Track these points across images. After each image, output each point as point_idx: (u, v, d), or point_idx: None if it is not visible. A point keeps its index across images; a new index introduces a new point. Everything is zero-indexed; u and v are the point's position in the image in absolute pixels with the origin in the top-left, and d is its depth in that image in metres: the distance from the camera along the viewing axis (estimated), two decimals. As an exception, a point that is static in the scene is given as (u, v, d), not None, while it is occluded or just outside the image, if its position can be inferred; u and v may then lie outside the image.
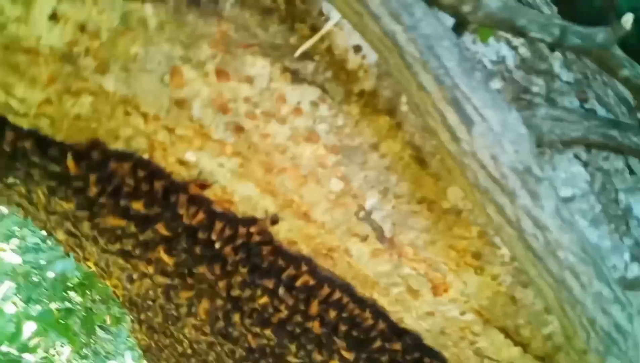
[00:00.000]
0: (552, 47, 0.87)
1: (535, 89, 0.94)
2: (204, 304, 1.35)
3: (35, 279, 5.11)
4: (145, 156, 0.96)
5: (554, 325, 1.01)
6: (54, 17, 0.75)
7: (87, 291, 5.48)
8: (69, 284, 5.37)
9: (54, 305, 5.44)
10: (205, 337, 1.44)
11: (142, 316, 1.78)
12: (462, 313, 1.07)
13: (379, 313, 1.17)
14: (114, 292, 2.25)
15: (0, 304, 5.18)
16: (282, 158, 0.91)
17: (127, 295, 1.81)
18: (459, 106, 0.60)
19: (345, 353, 1.21)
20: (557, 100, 0.93)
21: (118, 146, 0.94)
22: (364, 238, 1.01)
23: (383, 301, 1.14)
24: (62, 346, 5.89)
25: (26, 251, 5.08)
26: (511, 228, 0.67)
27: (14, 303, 5.51)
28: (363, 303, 1.16)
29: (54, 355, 6.05)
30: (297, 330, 1.27)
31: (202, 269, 1.17)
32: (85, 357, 6.30)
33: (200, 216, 1.05)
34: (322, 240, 1.05)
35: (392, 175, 0.93)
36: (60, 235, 1.34)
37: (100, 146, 0.96)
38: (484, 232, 0.95)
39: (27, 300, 5.33)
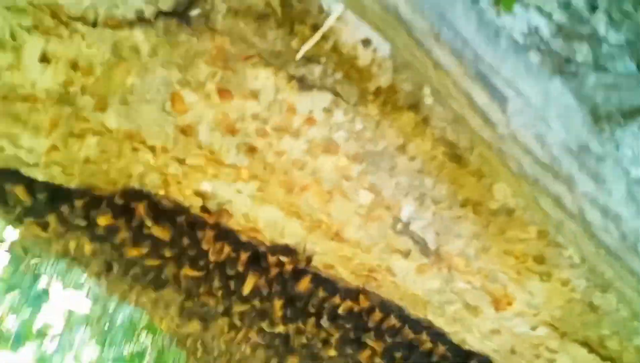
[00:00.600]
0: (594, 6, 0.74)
1: (579, 57, 0.81)
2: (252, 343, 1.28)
3: (106, 324, 5.29)
4: (161, 192, 0.91)
5: (648, 332, 0.84)
6: (44, 58, 0.72)
7: (157, 332, 5.60)
8: (138, 326, 5.50)
9: (126, 349, 5.59)
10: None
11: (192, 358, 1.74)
12: (534, 328, 0.92)
13: (437, 334, 1.04)
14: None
15: (79, 352, 5.37)
16: (301, 175, 0.83)
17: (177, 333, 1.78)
18: (485, 81, 0.49)
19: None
20: (609, 66, 0.78)
21: (133, 184, 0.90)
22: (406, 254, 0.90)
23: (439, 322, 1.01)
24: (138, 388, 6.03)
25: (96, 299, 5.29)
26: (574, 222, 0.55)
27: (90, 350, 5.69)
28: (418, 325, 1.05)
29: (132, 398, 6.20)
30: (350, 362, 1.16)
31: (240, 307, 1.10)
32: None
33: (227, 249, 0.98)
34: (360, 260, 0.95)
35: (426, 178, 0.82)
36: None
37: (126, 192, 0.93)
38: (544, 231, 0.81)
39: (102, 345, 5.51)
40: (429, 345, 1.05)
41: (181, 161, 0.84)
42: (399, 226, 0.87)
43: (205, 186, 0.87)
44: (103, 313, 5.50)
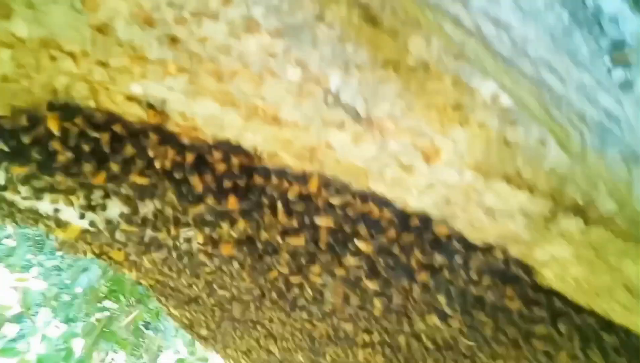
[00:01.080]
0: None
1: None
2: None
3: (67, 298, 5.19)
4: (92, 104, 0.90)
5: (553, 153, 0.97)
6: None
7: (120, 297, 5.58)
8: (100, 294, 5.45)
9: (93, 318, 5.55)
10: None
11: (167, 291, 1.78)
12: (461, 174, 1.03)
13: (382, 202, 1.14)
14: (146, 286, 2.26)
15: (45, 331, 5.28)
16: (229, 60, 0.85)
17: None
18: None
19: (363, 247, 1.19)
20: None
21: (60, 98, 0.89)
22: (341, 125, 0.96)
23: (382, 189, 1.11)
24: (115, 352, 6.06)
25: (48, 276, 5.14)
26: (474, 38, 0.62)
27: (57, 327, 5.62)
28: (364, 196, 1.13)
29: (111, 362, 6.24)
30: (311, 244, 1.25)
31: (196, 209, 1.14)
32: (140, 356, 6.49)
33: (171, 153, 1.01)
34: (300, 142, 1.00)
35: (347, 45, 0.87)
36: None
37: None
38: (457, 78, 0.89)
39: (67, 320, 5.43)
40: (377, 213, 1.15)
41: (105, 65, 0.84)
42: (330, 98, 0.93)
43: (135, 89, 0.88)
44: (60, 288, 5.37)
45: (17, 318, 5.39)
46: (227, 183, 1.05)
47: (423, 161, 1.02)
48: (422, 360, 2.01)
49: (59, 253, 5.39)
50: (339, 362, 2.19)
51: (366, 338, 1.80)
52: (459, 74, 0.90)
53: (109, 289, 5.39)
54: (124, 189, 1.04)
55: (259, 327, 2.13)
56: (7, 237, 5.39)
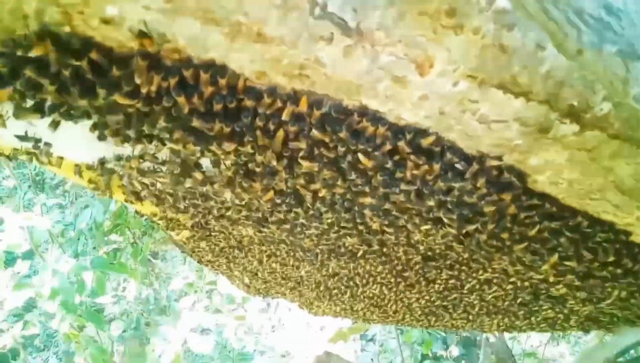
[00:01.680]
0: None
1: None
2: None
3: (72, 234, 5.32)
4: (66, 30, 0.86)
5: (549, 57, 0.94)
6: None
7: (125, 229, 5.71)
8: (104, 229, 5.57)
9: (101, 251, 5.73)
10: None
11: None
12: (455, 84, 1.01)
13: (375, 118, 1.12)
14: (149, 218, 2.28)
15: (56, 266, 5.46)
16: (206, -27, 0.80)
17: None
18: None
19: (364, 161, 1.20)
20: None
21: (31, 26, 0.84)
22: (330, 39, 0.92)
23: (374, 104, 1.09)
24: (125, 282, 6.33)
25: (52, 214, 5.23)
26: None
27: (66, 262, 5.80)
28: (358, 113, 1.12)
29: (123, 291, 6.53)
30: (298, 168, 1.25)
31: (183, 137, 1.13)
32: (151, 284, 6.78)
33: (157, 80, 0.97)
34: (289, 59, 0.97)
35: (332, -51, 0.81)
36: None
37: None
38: (451, -20, 0.85)
39: (76, 255, 5.61)
40: (370, 129, 1.14)
41: (75, -15, 0.78)
42: (317, 10, 0.88)
43: (111, 10, 0.83)
44: (64, 225, 5.49)
45: (28, 255, 5.56)
46: (216, 106, 1.03)
47: (416, 72, 0.99)
48: (420, 268, 2.11)
49: (59, 191, 5.44)
50: (342, 274, 2.30)
51: (366, 248, 1.86)
52: (451, -25, 0.85)
53: (113, 223, 5.50)
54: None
55: (263, 247, 2.21)
56: (6, 178, 5.40)
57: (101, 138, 1.18)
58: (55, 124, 1.16)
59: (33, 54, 0.84)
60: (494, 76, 0.99)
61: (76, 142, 1.43)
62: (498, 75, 0.99)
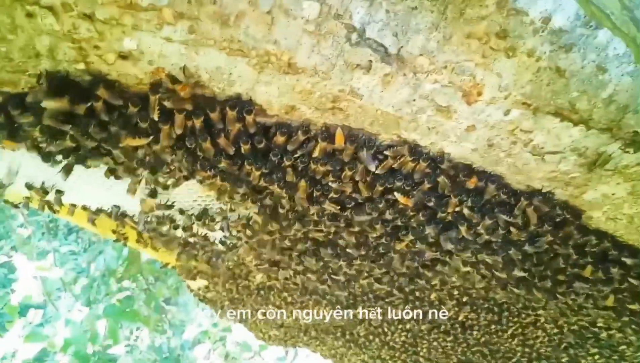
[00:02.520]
0: None
1: None
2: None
3: (85, 282, 5.21)
4: (80, 67, 0.78)
5: (612, 80, 0.84)
6: None
7: (138, 276, 5.59)
8: (117, 275, 5.47)
9: (114, 299, 5.60)
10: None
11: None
12: (507, 113, 0.91)
13: (416, 151, 1.02)
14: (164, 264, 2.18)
15: (68, 315, 5.34)
16: (234, 0, 0.72)
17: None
18: None
19: (402, 200, 1.09)
20: None
21: (44, 65, 0.77)
22: (368, 67, 0.84)
23: (414, 137, 0.99)
24: (138, 330, 6.14)
25: (65, 261, 5.13)
26: None
27: (79, 310, 5.68)
28: (394, 147, 1.02)
29: (136, 340, 6.34)
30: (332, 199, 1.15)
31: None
32: (163, 331, 6.58)
33: (179, 119, 0.89)
34: (321, 91, 0.88)
35: (371, -32, 0.73)
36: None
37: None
38: (501, 0, 0.76)
39: (88, 303, 5.48)
40: (410, 165, 1.03)
41: (91, 18, 0.71)
42: (354, 36, 0.80)
43: (128, 44, 0.75)
44: (77, 273, 5.39)
45: (41, 304, 5.44)
46: (244, 146, 0.93)
47: (463, 100, 0.89)
48: (455, 314, 1.95)
49: (72, 237, 5.37)
50: (370, 320, 2.14)
51: (400, 293, 1.72)
52: (504, -8, 0.76)
53: (126, 269, 5.39)
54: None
55: (285, 294, 2.07)
56: (21, 226, 5.37)
57: (117, 177, 1.09)
58: (67, 170, 1.07)
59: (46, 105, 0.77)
60: (549, 102, 0.89)
61: (88, 189, 1.35)
62: (554, 101, 0.89)
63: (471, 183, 1.07)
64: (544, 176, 1.06)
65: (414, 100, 0.90)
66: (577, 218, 1.19)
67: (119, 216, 1.45)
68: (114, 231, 1.88)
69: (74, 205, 1.54)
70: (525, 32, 0.80)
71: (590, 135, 0.94)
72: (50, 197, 1.30)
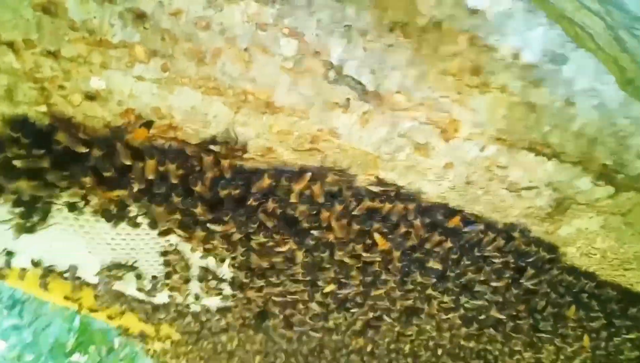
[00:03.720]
0: None
1: None
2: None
3: (29, 358, 4.75)
4: (42, 109, 0.73)
5: (580, 114, 0.87)
6: None
7: (89, 347, 5.19)
8: (67, 349, 5.04)
9: (63, 375, 5.12)
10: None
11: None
12: (483, 149, 0.92)
13: (394, 196, 1.00)
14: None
15: (8, 400, 4.83)
16: (209, 37, 0.70)
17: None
18: None
19: (379, 242, 1.05)
20: None
21: (4, 109, 0.71)
22: (346, 105, 0.83)
23: (392, 176, 0.97)
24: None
25: (7, 336, 4.69)
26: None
27: (21, 392, 5.15)
28: (360, 195, 1.00)
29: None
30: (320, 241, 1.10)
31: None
32: (118, 409, 6.03)
33: (151, 165, 0.83)
34: (299, 131, 0.86)
35: (348, 7, 0.73)
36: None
37: None
38: (473, 37, 0.78)
39: (33, 382, 4.98)
40: (387, 206, 1.01)
41: (55, 55, 0.67)
42: (332, 74, 0.79)
43: (96, 83, 0.71)
44: (22, 348, 4.93)
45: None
46: (221, 191, 0.89)
47: (440, 137, 0.89)
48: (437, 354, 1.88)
49: (15, 311, 4.95)
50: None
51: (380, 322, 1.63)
52: (475, 31, 0.78)
53: (77, 341, 4.99)
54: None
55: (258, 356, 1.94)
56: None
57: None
58: (19, 229, 0.98)
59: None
60: (523, 137, 0.90)
61: (40, 247, 1.23)
62: (528, 136, 0.90)
63: (452, 223, 1.06)
64: (520, 212, 1.06)
65: (393, 138, 0.89)
66: (553, 253, 1.19)
67: (75, 277, 1.33)
68: (66, 298, 1.73)
69: (24, 269, 1.41)
70: (497, 68, 0.82)
71: (563, 169, 0.96)
72: (-1, 261, 1.18)
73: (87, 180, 0.77)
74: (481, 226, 1.08)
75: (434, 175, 0.96)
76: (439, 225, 1.07)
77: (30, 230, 0.89)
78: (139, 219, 0.93)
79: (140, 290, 1.31)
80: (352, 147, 0.90)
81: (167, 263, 1.13)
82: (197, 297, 1.39)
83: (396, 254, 1.08)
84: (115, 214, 0.87)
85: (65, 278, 1.34)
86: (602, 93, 0.88)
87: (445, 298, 1.28)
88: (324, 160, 0.92)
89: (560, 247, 1.19)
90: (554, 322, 1.39)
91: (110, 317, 1.88)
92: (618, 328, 1.43)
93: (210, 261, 1.17)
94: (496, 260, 1.17)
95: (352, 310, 1.35)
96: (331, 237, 1.03)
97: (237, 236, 0.96)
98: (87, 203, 0.85)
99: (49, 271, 1.30)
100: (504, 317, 1.38)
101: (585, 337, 1.50)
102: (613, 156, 0.95)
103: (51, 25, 0.64)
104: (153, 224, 0.92)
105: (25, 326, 4.58)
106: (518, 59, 0.82)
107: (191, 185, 0.85)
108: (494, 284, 1.23)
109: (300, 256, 1.07)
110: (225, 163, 0.86)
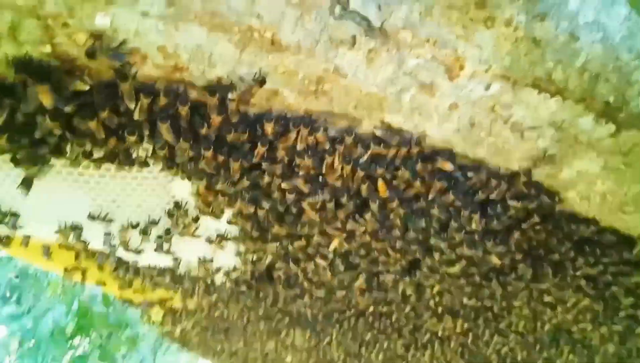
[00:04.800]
0: None
1: None
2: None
3: (30, 344, 4.76)
4: (47, 50, 0.72)
5: (584, 48, 0.87)
6: None
7: (90, 330, 5.22)
8: (67, 333, 5.07)
9: (65, 360, 5.17)
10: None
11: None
12: (487, 87, 0.92)
13: (400, 136, 1.01)
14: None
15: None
16: (215, -31, 0.69)
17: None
18: None
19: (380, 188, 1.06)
20: None
21: (5, 49, 0.70)
22: (352, 42, 0.82)
23: (397, 120, 0.98)
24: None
25: (9, 322, 4.68)
26: None
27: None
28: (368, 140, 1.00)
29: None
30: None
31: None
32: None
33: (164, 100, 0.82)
34: (304, 71, 0.85)
35: (353, -64, 0.73)
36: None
37: None
38: (480, -35, 0.78)
39: (35, 366, 5.00)
40: (392, 151, 1.02)
41: (59, -11, 0.65)
42: (338, 9, 0.78)
43: (101, 20, 0.70)
44: (23, 333, 4.95)
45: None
46: (228, 136, 0.88)
47: (445, 75, 0.89)
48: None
49: (13, 299, 4.94)
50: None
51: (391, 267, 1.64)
52: (480, -39, 0.78)
53: (77, 325, 5.01)
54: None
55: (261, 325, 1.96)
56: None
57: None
58: (27, 184, 0.98)
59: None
60: (527, 73, 0.91)
61: (47, 210, 1.23)
62: (532, 72, 0.91)
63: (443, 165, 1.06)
64: (522, 155, 1.07)
65: (398, 77, 0.89)
66: (552, 199, 1.20)
67: (79, 237, 1.32)
68: (67, 270, 1.72)
69: (28, 237, 1.40)
70: (502, 1, 0.82)
71: (567, 107, 0.97)
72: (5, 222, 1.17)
73: (94, 125, 0.76)
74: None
75: (438, 116, 0.97)
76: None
77: (37, 173, 0.88)
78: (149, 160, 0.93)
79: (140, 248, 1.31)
80: (358, 88, 0.90)
81: (171, 215, 1.14)
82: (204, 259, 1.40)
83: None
84: (125, 160, 0.87)
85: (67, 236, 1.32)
86: (606, 26, 0.88)
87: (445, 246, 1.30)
88: (330, 103, 0.92)
89: (561, 192, 1.20)
90: (553, 273, 1.42)
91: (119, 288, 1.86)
92: (614, 275, 1.45)
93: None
94: (498, 207, 1.18)
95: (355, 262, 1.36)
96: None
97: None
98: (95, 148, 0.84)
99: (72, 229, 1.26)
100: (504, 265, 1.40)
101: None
102: (616, 92, 0.96)
103: (54, -45, 0.63)
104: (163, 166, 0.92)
105: (25, 312, 4.57)
106: (522, -9, 0.82)
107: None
108: (495, 227, 1.24)
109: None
110: (232, 106, 0.86)
